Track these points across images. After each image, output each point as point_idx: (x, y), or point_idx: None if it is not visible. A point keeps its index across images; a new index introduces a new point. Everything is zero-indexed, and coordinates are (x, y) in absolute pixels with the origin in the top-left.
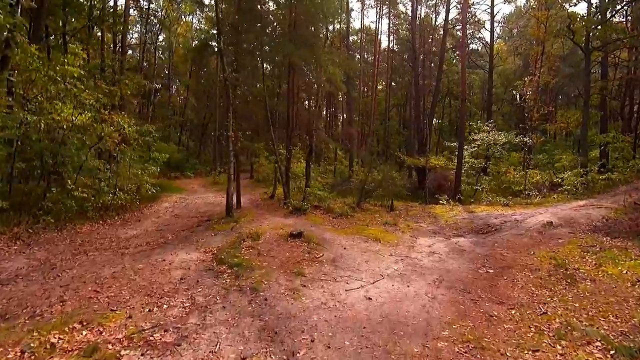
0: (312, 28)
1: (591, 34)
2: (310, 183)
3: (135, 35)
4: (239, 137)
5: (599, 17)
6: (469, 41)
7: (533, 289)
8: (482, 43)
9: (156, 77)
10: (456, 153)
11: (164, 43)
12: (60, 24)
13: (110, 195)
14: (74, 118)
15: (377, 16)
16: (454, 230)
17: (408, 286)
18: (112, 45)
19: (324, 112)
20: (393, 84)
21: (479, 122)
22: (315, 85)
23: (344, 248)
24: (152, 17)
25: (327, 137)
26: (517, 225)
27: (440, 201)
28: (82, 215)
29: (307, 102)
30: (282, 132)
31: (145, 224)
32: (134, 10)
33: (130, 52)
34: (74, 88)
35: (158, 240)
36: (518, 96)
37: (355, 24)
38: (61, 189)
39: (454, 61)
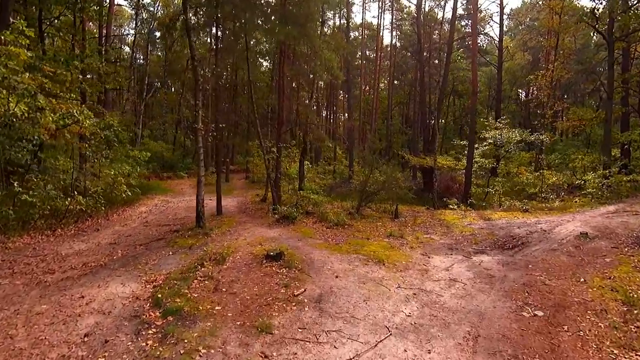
0: (306, 7)
1: (615, 22)
2: (305, 185)
3: (132, 31)
4: (210, 130)
5: (620, 3)
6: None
7: (615, 351)
8: (489, 38)
9: (151, 74)
10: (464, 152)
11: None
12: (37, 11)
13: (68, 199)
14: (12, 106)
15: (380, 10)
16: (473, 245)
17: (429, 351)
18: (98, 37)
19: (325, 112)
20: (395, 81)
21: (490, 118)
22: (311, 75)
23: (336, 276)
24: (144, 11)
25: (324, 134)
26: (547, 237)
27: (450, 206)
28: (27, 225)
29: (308, 100)
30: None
31: (102, 234)
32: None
33: (127, 49)
34: (2, 69)
35: (100, 260)
36: (524, 94)
37: (357, 19)
38: (7, 193)
39: (459, 58)
